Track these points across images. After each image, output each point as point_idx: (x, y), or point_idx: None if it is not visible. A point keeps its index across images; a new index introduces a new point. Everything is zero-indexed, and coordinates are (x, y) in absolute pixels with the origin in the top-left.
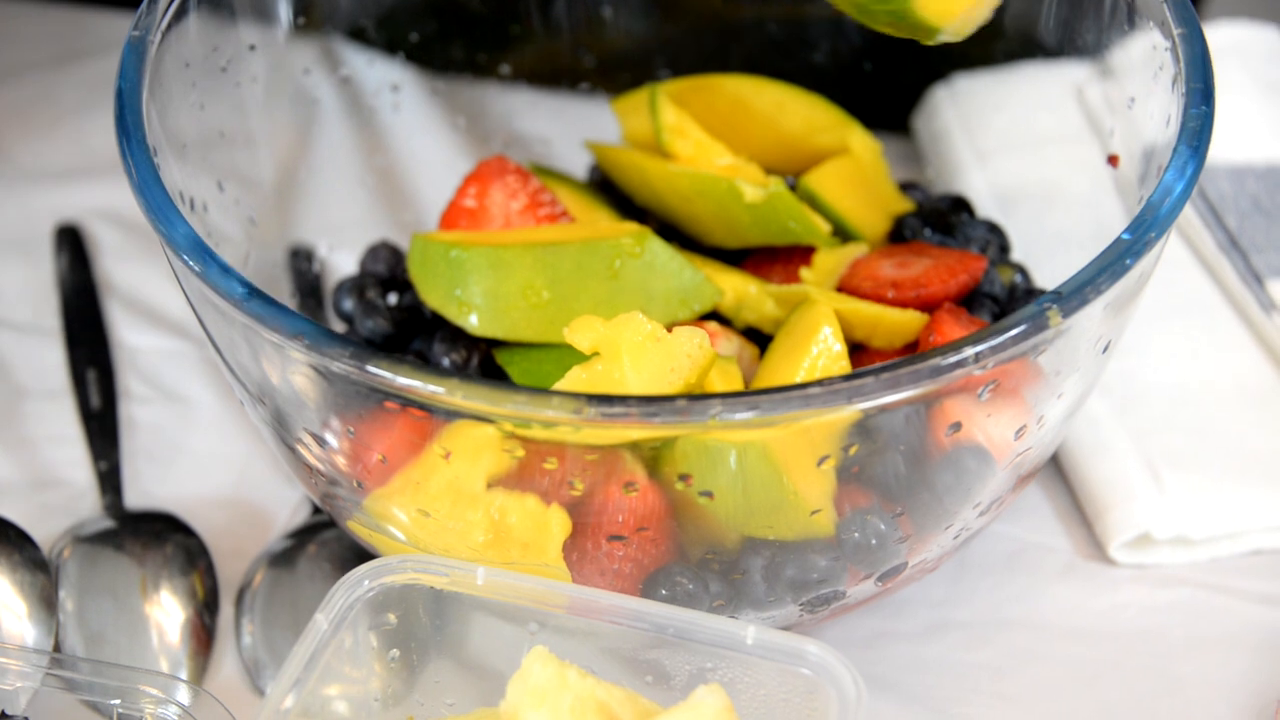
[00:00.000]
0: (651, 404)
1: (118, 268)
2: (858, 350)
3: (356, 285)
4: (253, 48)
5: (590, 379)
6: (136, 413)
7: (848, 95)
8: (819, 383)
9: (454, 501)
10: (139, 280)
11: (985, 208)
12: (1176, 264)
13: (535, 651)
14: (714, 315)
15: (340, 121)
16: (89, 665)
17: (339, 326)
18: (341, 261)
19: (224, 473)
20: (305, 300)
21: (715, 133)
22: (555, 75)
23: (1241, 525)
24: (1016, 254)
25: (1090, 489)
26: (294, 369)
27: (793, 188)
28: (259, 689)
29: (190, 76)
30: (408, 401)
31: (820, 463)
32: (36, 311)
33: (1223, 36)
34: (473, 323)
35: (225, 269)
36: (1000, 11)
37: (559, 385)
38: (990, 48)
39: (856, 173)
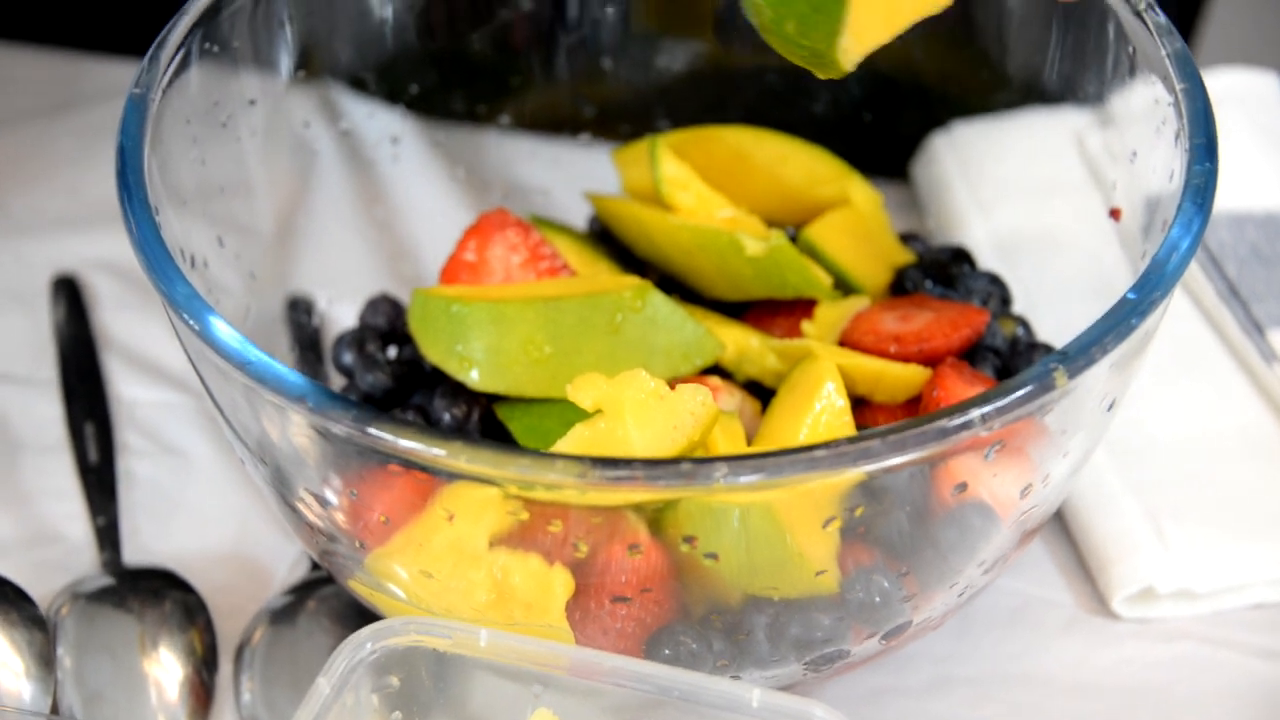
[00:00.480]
0: (656, 467)
1: (115, 319)
2: (860, 405)
3: (356, 339)
4: (253, 102)
5: (593, 437)
6: (135, 467)
7: (847, 144)
8: (825, 445)
9: (456, 561)
10: (137, 332)
11: (985, 257)
12: (1177, 314)
13: (539, 714)
14: (715, 369)
15: (340, 173)
16: None
17: (338, 380)
18: (341, 314)
19: (222, 528)
20: (305, 353)
21: (715, 184)
22: (555, 126)
23: (1244, 578)
24: (1017, 304)
25: (1093, 543)
26: (295, 429)
27: (793, 240)
28: None
29: (191, 132)
30: (410, 464)
31: (826, 524)
32: (33, 363)
33: (1221, 84)
34: (474, 378)
35: (226, 330)
36: (1004, 61)
37: (562, 445)
38: (992, 97)
39: (857, 225)
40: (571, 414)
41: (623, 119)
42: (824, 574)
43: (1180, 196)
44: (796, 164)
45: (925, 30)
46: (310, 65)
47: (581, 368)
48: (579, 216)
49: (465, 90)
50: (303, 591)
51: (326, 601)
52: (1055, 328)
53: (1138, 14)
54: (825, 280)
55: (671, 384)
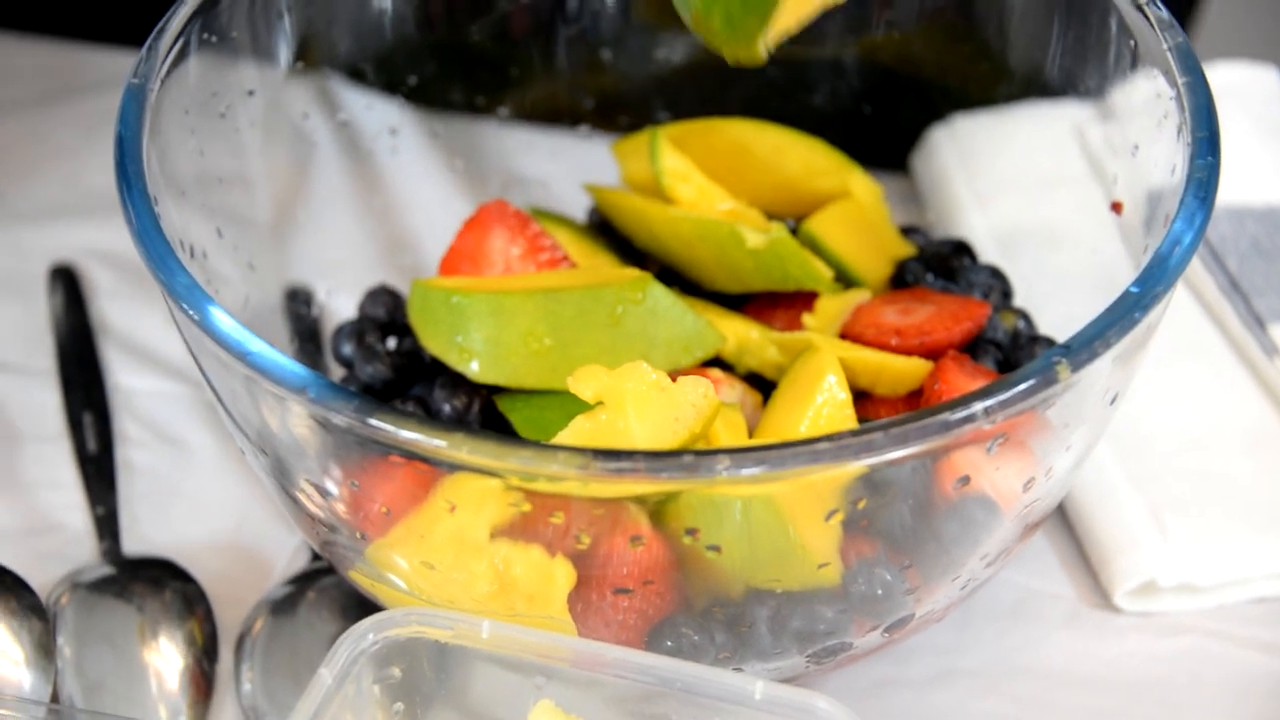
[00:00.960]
0: (658, 459)
1: (113, 308)
2: (861, 398)
3: (356, 330)
4: (251, 92)
5: (594, 429)
6: (134, 456)
7: (847, 137)
8: (828, 438)
9: (457, 552)
10: (135, 321)
11: (985, 249)
12: (1178, 307)
13: (541, 706)
14: (716, 361)
15: (338, 164)
16: (87, 715)
17: (338, 371)
18: (340, 305)
19: (222, 517)
20: (304, 344)
21: (715, 176)
22: (554, 117)
23: (1246, 572)
24: (1018, 297)
25: (1095, 536)
26: (296, 420)
27: (794, 232)
28: None
29: (190, 122)
30: (412, 455)
31: (829, 517)
32: (31, 353)
33: (1221, 78)
34: (474, 369)
35: (227, 320)
36: (1005, 54)
37: (563, 437)
38: (993, 90)
39: (858, 217)
40: (572, 405)
41: (622, 111)
42: (826, 566)
43: (1183, 190)
44: (796, 156)
45: (926, 22)
46: (309, 56)
47: (582, 359)
48: (578, 208)
49: (464, 81)
50: (303, 582)
51: (326, 592)
52: (1055, 321)
53: (1139, 8)
54: (826, 273)
55: (672, 376)
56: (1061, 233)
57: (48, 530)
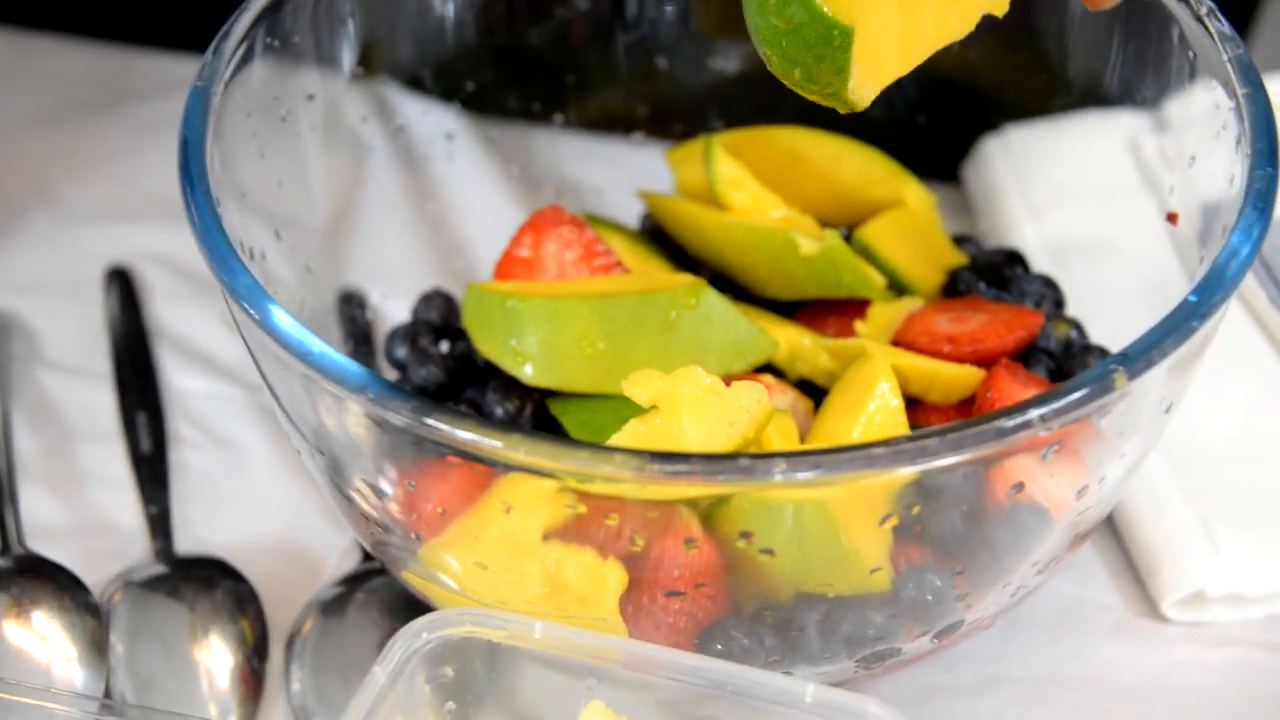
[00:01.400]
0: (715, 462)
1: (167, 310)
2: (913, 405)
3: (410, 333)
4: (312, 97)
5: (648, 433)
6: (187, 457)
7: (901, 146)
8: (884, 443)
9: (510, 554)
10: (189, 324)
11: (1037, 260)
12: (1230, 319)
13: (592, 706)
14: (768, 368)
15: (394, 169)
16: (138, 711)
17: (390, 374)
18: (393, 309)
19: (274, 518)
20: (357, 347)
21: (769, 184)
22: (609, 124)
23: None
24: (1070, 308)
25: (1143, 546)
26: (353, 420)
27: (847, 240)
28: None
29: (251, 126)
30: (468, 455)
31: (882, 521)
32: (87, 354)
33: (1277, 89)
34: (527, 373)
35: (288, 320)
36: (1063, 65)
37: (618, 439)
38: (1047, 101)
39: (911, 226)
40: (625, 410)
41: (676, 118)
42: (878, 571)
43: (1241, 201)
44: (850, 165)
45: (984, 34)
46: (369, 61)
47: (635, 364)
48: (631, 215)
49: (520, 88)
50: (353, 583)
51: (376, 593)
52: (1107, 330)
53: (1199, 19)
54: (879, 280)
55: (725, 381)
56: (1113, 244)
57: (102, 529)
